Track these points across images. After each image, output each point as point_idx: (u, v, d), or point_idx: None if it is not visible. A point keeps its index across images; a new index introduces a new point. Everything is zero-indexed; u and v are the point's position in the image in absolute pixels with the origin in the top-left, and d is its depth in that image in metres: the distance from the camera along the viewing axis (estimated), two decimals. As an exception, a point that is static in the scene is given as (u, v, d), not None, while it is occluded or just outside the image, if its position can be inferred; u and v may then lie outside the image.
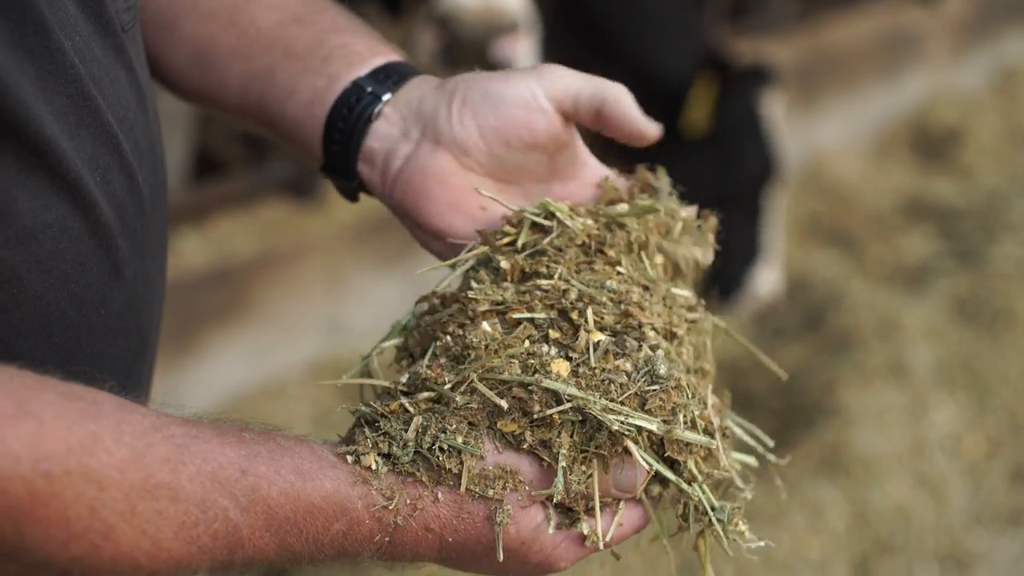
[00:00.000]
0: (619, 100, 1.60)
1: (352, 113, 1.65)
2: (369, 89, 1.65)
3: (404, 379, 1.43)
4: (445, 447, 1.36)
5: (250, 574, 1.34)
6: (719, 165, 5.60)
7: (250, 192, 4.78)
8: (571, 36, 5.67)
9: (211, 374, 4.51)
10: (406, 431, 1.37)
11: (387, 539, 1.36)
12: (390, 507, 1.35)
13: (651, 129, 1.62)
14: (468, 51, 4.65)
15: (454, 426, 1.37)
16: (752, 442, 1.60)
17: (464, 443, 1.36)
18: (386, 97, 1.65)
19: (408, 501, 1.36)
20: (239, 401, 4.54)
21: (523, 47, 4.65)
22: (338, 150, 1.68)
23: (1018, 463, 4.94)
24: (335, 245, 4.82)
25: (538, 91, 1.59)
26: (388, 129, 1.65)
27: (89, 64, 1.39)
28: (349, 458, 1.36)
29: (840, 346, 5.29)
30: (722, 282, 5.69)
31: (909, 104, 7.89)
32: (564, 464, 1.37)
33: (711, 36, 5.71)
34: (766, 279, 5.72)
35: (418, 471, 1.36)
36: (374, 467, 1.35)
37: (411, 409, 1.39)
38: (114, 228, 1.42)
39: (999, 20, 8.66)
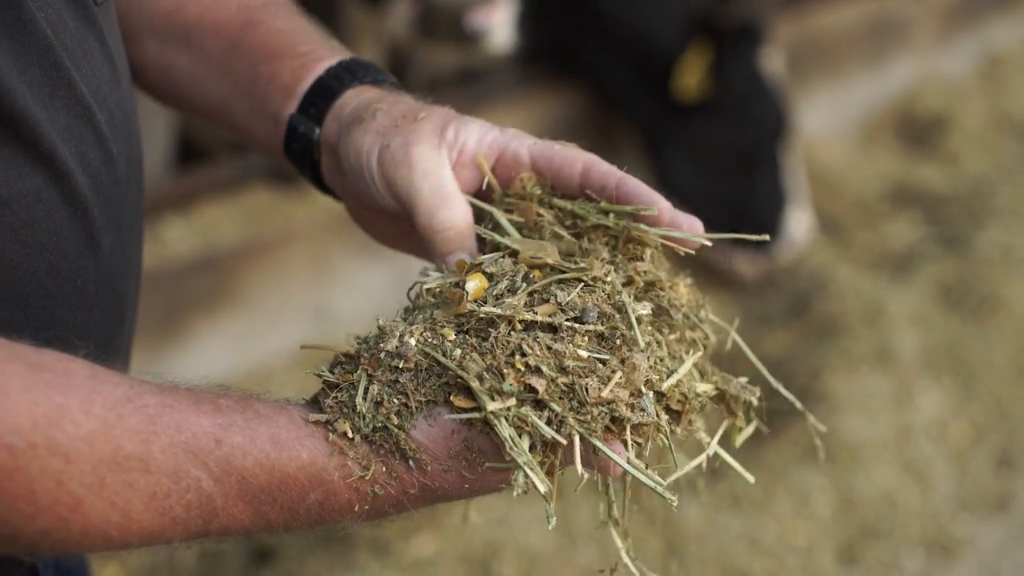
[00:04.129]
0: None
1: (299, 156, 1.68)
2: (301, 130, 1.67)
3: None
4: (394, 423, 1.36)
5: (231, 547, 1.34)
6: (732, 127, 5.69)
7: (235, 179, 4.77)
8: (561, 11, 5.70)
9: (196, 361, 4.50)
10: (364, 401, 1.36)
11: (367, 507, 1.37)
12: (367, 477, 1.35)
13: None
14: (443, 21, 4.64)
15: (401, 402, 1.36)
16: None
17: (398, 425, 1.36)
18: (316, 134, 1.66)
19: (384, 469, 1.36)
20: (225, 389, 4.53)
21: (499, 16, 4.65)
22: (309, 179, 1.73)
23: (1003, 449, 4.95)
24: (321, 232, 4.81)
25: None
26: (326, 159, 1.68)
27: (62, 36, 1.39)
28: (325, 426, 1.36)
29: (826, 332, 5.29)
30: (759, 234, 5.74)
31: (895, 90, 7.89)
32: (524, 460, 1.35)
33: (700, 2, 5.73)
34: (799, 222, 5.79)
35: (386, 443, 1.36)
36: (349, 434, 1.35)
37: (364, 381, 1.38)
38: (89, 198, 1.42)
39: (985, 6, 8.66)
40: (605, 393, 1.35)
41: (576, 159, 1.55)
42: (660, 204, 1.50)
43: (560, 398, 1.35)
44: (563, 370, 1.36)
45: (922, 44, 8.11)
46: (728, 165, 5.80)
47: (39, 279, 1.38)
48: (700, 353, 1.52)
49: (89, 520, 1.22)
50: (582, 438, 1.35)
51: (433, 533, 3.95)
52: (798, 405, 1.67)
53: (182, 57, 1.76)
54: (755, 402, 1.57)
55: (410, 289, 1.53)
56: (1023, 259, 5.94)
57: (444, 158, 1.55)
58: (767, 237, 1.57)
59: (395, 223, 1.64)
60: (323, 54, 1.71)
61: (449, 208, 1.54)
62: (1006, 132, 7.74)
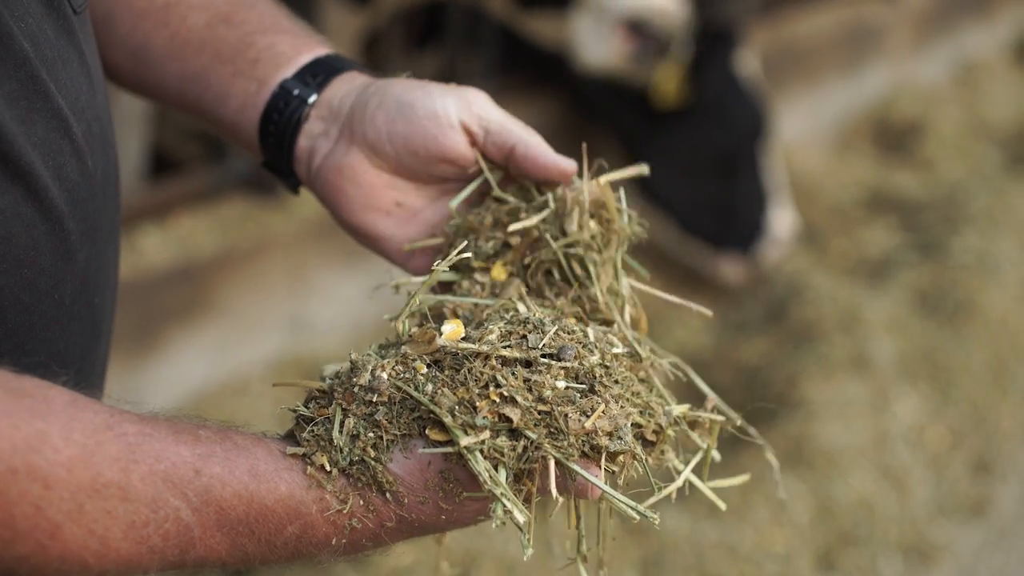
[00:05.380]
0: (531, 145, 1.60)
1: (282, 117, 1.68)
2: (296, 92, 1.67)
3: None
4: (371, 456, 1.36)
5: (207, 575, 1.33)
6: (711, 131, 5.73)
7: (211, 189, 4.76)
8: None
9: (173, 372, 4.49)
10: (341, 435, 1.37)
11: (344, 540, 1.36)
12: (344, 511, 1.35)
13: (566, 165, 1.60)
14: (665, 47, 5.20)
15: (377, 435, 1.37)
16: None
17: (375, 458, 1.36)
18: (312, 99, 1.67)
19: (361, 503, 1.36)
20: (201, 399, 4.52)
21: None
22: (274, 151, 1.71)
23: (980, 454, 4.97)
24: (297, 242, 4.80)
25: (451, 109, 1.59)
26: (312, 127, 1.68)
27: (41, 46, 1.38)
28: (303, 460, 1.35)
29: (803, 339, 5.30)
30: (743, 235, 5.80)
31: (871, 97, 7.92)
32: (500, 491, 1.35)
33: None
34: (782, 219, 5.82)
35: (363, 476, 1.36)
36: (327, 467, 1.35)
37: (339, 415, 1.38)
38: (65, 212, 1.41)
39: (959, 13, 8.70)
40: (588, 424, 1.35)
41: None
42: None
43: (536, 425, 1.35)
44: (541, 399, 1.36)
45: (898, 51, 8.14)
46: (709, 168, 5.82)
47: (17, 294, 1.37)
48: (663, 380, 1.53)
49: (67, 547, 1.21)
50: (558, 463, 1.35)
51: (411, 543, 3.94)
52: (749, 428, 1.66)
53: (158, 33, 1.75)
54: (726, 421, 1.57)
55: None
56: (999, 265, 5.96)
57: None
58: (709, 312, 1.61)
59: (384, 189, 1.66)
60: (322, 40, 1.75)
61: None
62: (981, 138, 7.78)
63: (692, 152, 5.78)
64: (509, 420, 1.35)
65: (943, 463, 4.86)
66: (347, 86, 1.67)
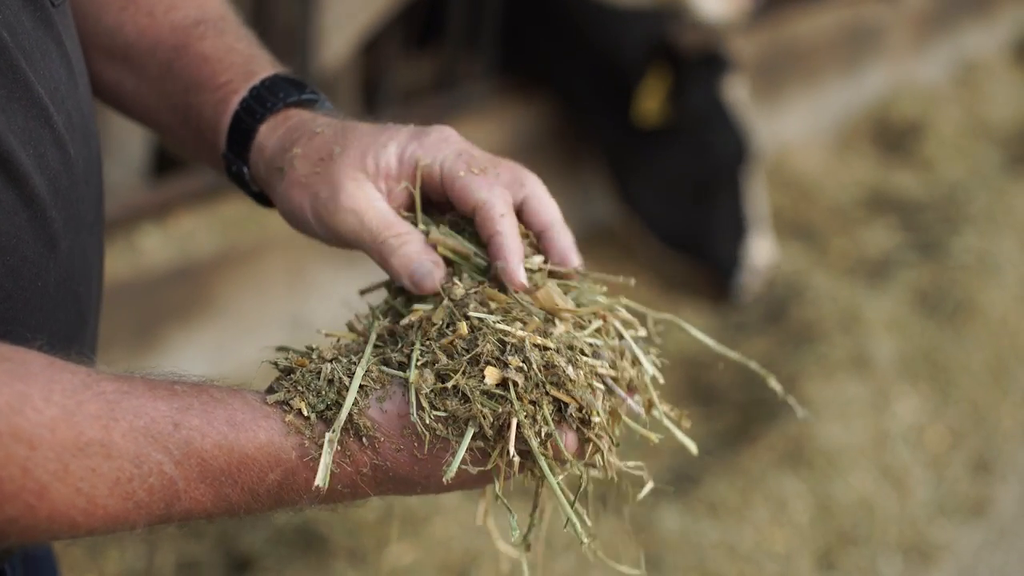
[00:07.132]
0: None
1: (238, 181, 1.71)
2: (234, 169, 1.69)
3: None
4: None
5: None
6: (691, 154, 5.71)
7: (211, 188, 4.75)
8: (535, 28, 5.70)
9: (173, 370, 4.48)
10: (319, 381, 1.39)
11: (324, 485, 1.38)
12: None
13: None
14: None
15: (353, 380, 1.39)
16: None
17: (352, 402, 1.38)
18: (246, 173, 1.68)
19: (338, 448, 1.37)
20: (201, 399, 4.51)
21: None
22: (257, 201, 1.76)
23: (980, 454, 4.97)
24: (297, 241, 4.76)
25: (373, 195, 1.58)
26: (266, 188, 1.69)
27: (19, 37, 1.39)
28: (281, 407, 1.37)
29: (803, 339, 5.30)
30: (721, 263, 5.80)
31: (870, 97, 7.93)
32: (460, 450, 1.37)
33: (665, 27, 5.72)
34: (761, 248, 5.81)
35: (338, 420, 1.38)
36: (305, 413, 1.36)
37: (318, 362, 1.41)
38: (48, 200, 1.43)
39: (959, 13, 8.71)
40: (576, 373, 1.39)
41: (469, 199, 1.56)
42: (513, 269, 1.54)
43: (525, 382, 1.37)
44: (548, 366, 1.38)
45: (897, 51, 8.15)
46: (688, 191, 5.81)
47: (0, 282, 1.38)
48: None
49: (55, 506, 1.22)
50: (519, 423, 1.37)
51: (411, 542, 3.95)
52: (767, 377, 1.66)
53: (127, 78, 1.77)
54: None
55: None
56: (999, 265, 5.97)
57: (373, 190, 1.57)
58: (632, 281, 1.59)
59: None
60: (238, 85, 1.71)
61: (394, 229, 1.56)
62: (981, 138, 7.79)
63: (671, 172, 5.77)
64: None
65: (943, 463, 4.86)
66: (258, 158, 1.67)
